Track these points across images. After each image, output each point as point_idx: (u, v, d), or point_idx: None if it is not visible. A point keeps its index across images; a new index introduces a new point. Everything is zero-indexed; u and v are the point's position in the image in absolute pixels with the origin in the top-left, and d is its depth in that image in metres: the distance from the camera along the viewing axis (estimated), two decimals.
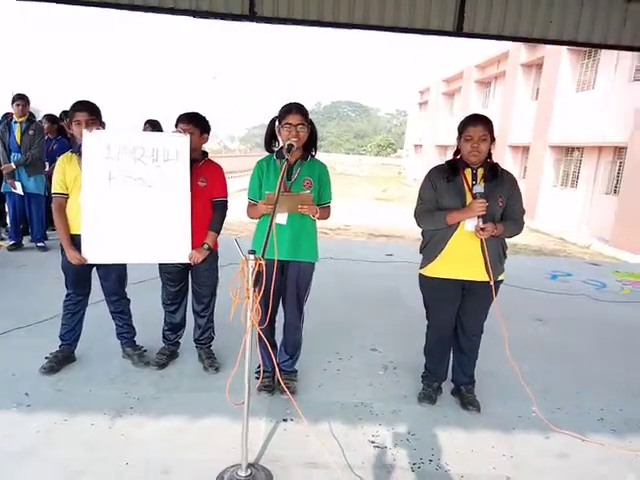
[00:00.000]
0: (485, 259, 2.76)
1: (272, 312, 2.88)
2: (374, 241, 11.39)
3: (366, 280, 5.74)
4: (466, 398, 3.03)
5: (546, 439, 2.78)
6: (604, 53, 13.92)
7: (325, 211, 2.93)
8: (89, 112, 2.97)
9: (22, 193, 5.92)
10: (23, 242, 6.22)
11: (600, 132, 13.93)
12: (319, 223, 2.98)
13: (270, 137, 2.92)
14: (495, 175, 2.78)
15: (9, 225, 6.31)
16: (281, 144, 2.88)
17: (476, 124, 2.71)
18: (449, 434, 2.75)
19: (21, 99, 5.90)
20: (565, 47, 15.34)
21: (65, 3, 6.34)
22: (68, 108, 3.16)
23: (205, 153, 3.20)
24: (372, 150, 63.02)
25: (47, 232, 6.25)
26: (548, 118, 16.73)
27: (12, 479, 2.21)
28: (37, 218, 6.11)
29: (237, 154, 37.28)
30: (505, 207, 2.81)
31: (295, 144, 2.69)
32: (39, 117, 6.44)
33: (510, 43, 19.05)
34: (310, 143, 2.89)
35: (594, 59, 15.20)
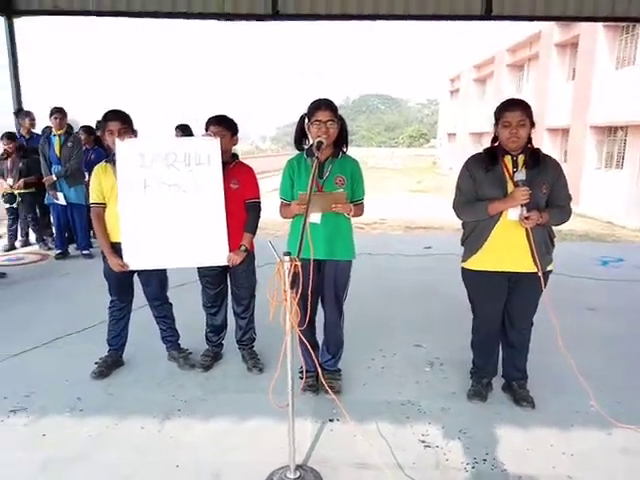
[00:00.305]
0: (531, 249, 2.64)
1: (311, 312, 2.85)
2: (411, 234, 11.21)
3: (405, 274, 5.64)
4: (519, 394, 2.91)
5: (608, 435, 2.63)
6: None
7: (359, 208, 2.88)
8: (121, 121, 3.00)
9: (65, 203, 6.10)
10: (69, 250, 6.43)
11: None
12: (354, 219, 2.93)
13: (300, 135, 2.88)
14: (537, 161, 2.65)
15: (55, 235, 6.53)
16: (311, 142, 2.83)
17: (514, 109, 2.59)
18: (503, 432, 2.64)
19: (58, 112, 6.08)
20: (601, 24, 14.71)
21: (100, 15, 6.53)
22: None
23: (235, 155, 3.20)
24: (404, 142, 62.30)
25: (91, 240, 6.42)
26: (587, 98, 16.04)
27: None
28: (80, 227, 6.29)
29: (269, 154, 37.51)
30: (550, 194, 2.67)
31: (325, 141, 2.63)
32: (77, 128, 6.63)
33: (542, 23, 18.41)
34: (341, 139, 2.83)
35: (632, 34, 14.46)
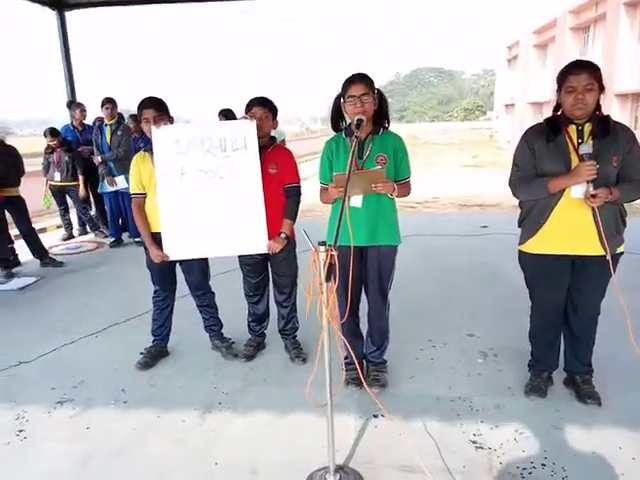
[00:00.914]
0: (599, 230, 2.35)
1: (354, 302, 2.70)
2: (465, 212, 10.75)
3: (459, 256, 5.36)
4: (583, 390, 2.65)
5: None
6: None
7: (404, 187, 2.67)
8: (155, 109, 2.93)
9: (126, 185, 6.20)
10: (123, 238, 6.59)
11: None
12: (404, 199, 2.74)
13: (336, 115, 2.70)
14: (607, 130, 2.34)
15: (109, 223, 6.71)
16: (349, 121, 2.65)
17: (579, 72, 2.28)
18: (565, 433, 2.41)
19: (109, 102, 6.20)
20: None
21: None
22: None
23: (273, 138, 3.06)
24: (459, 115, 60.09)
25: None
26: None
27: (107, 477, 2.26)
28: (132, 215, 6.41)
29: (319, 134, 37.29)
30: (622, 167, 2.36)
31: (364, 118, 2.44)
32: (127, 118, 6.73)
33: None
34: (380, 115, 2.62)
35: None
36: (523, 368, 2.89)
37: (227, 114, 5.87)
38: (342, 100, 2.57)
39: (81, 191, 6.64)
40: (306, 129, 46.51)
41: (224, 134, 2.83)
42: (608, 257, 2.38)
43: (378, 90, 2.56)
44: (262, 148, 2.88)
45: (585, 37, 21.33)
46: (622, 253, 2.50)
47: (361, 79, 2.50)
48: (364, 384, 2.31)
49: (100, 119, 7.03)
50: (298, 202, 3.03)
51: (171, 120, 3.05)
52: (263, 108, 2.91)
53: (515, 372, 2.95)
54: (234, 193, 2.87)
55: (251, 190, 2.87)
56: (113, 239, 6.50)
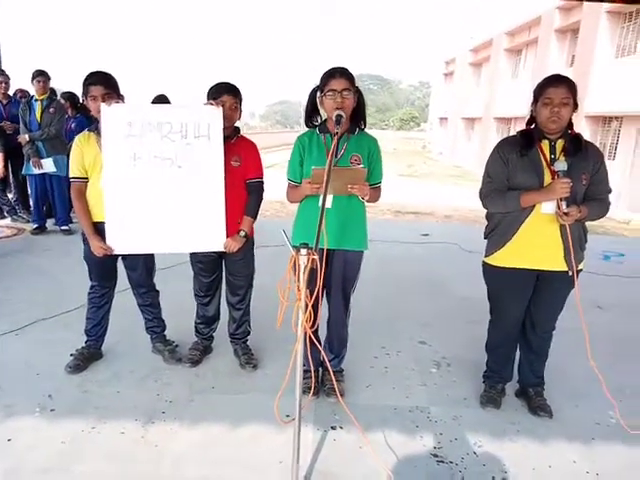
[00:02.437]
0: (566, 246, 2.38)
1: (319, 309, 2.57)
2: (401, 219, 10.95)
3: (405, 263, 5.38)
4: (535, 402, 2.68)
5: (631, 450, 2.43)
6: None
7: (375, 192, 2.58)
8: (104, 85, 2.63)
9: (54, 169, 5.67)
10: (47, 225, 6.03)
11: None
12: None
13: (311, 110, 2.55)
14: (578, 148, 2.38)
15: (32, 208, 6.11)
16: (324, 117, 2.52)
17: (558, 85, 2.31)
18: (521, 446, 2.42)
19: (41, 75, 5.63)
20: (604, 10, 14.42)
21: None
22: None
23: (237, 129, 2.85)
24: (395, 124, 61.74)
25: (71, 215, 6.02)
26: (584, 86, 15.78)
27: None
28: (60, 200, 5.88)
29: (258, 131, 36.81)
30: (589, 185, 2.41)
31: (344, 114, 2.32)
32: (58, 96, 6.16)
33: (543, 7, 18.03)
34: (358, 114, 2.51)
35: (635, 22, 14.21)
36: (476, 378, 2.90)
37: (162, 100, 5.44)
38: (319, 94, 2.43)
39: (0, 170, 5.99)
40: (244, 124, 45.77)
41: (186, 119, 2.58)
42: (571, 273, 2.42)
43: (357, 88, 2.45)
44: (225, 139, 2.66)
45: (518, 59, 22.59)
46: (581, 270, 2.55)
47: (342, 73, 2.38)
48: (326, 392, 2.17)
49: (22, 92, 6.41)
50: (261, 198, 2.84)
51: (122, 99, 2.76)
52: (234, 97, 2.69)
53: (469, 382, 2.95)
54: (193, 184, 2.63)
55: (212, 182, 2.64)
56: (36, 225, 5.92)
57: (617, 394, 2.77)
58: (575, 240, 2.39)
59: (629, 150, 14.34)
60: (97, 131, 2.68)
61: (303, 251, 1.70)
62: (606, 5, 14.03)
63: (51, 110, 5.63)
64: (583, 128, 16.21)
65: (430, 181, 18.06)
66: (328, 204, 2.45)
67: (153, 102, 5.82)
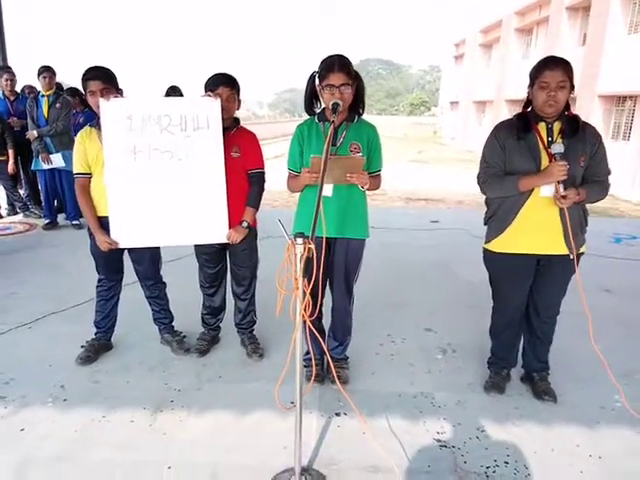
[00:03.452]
0: (565, 229, 2.36)
1: (321, 297, 2.59)
2: (413, 206, 10.90)
3: (412, 251, 5.37)
4: (540, 386, 2.69)
5: (636, 434, 2.43)
6: None
7: (375, 180, 2.58)
8: (102, 80, 2.65)
9: (63, 164, 5.73)
10: (58, 220, 6.12)
11: None
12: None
13: (310, 97, 2.54)
14: (575, 130, 2.34)
15: (43, 204, 6.21)
16: (323, 105, 2.51)
17: (554, 68, 2.27)
18: (524, 430, 2.43)
19: (47, 71, 5.67)
20: None
21: None
22: None
23: (237, 120, 2.86)
24: (405, 110, 61.12)
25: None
26: (597, 65, 15.48)
27: None
28: (70, 195, 5.94)
29: (266, 120, 36.68)
30: (587, 167, 2.38)
31: (341, 103, 2.31)
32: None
33: None
34: (357, 101, 2.50)
35: None
36: (481, 364, 2.91)
37: (174, 91, 5.49)
38: (318, 81, 2.41)
39: (10, 167, 6.08)
40: (252, 114, 45.67)
41: (184, 111, 2.61)
42: (572, 256, 2.40)
43: (356, 73, 2.42)
44: (225, 130, 2.68)
45: (529, 39, 22.16)
46: (583, 253, 2.54)
47: (341, 67, 2.33)
48: (331, 380, 2.20)
49: (30, 88, 6.46)
50: (262, 189, 2.86)
51: (120, 93, 2.77)
52: (231, 89, 2.70)
53: (474, 368, 2.96)
54: (193, 177, 2.67)
55: (212, 174, 2.67)
56: (47, 221, 6.01)
57: (623, 378, 2.77)
58: (575, 223, 2.38)
59: None
60: (98, 126, 2.71)
61: (299, 240, 1.72)
62: None
63: (57, 105, 5.68)
64: (596, 108, 15.95)
65: (441, 166, 17.89)
66: (329, 193, 2.47)
67: (166, 93, 5.87)
